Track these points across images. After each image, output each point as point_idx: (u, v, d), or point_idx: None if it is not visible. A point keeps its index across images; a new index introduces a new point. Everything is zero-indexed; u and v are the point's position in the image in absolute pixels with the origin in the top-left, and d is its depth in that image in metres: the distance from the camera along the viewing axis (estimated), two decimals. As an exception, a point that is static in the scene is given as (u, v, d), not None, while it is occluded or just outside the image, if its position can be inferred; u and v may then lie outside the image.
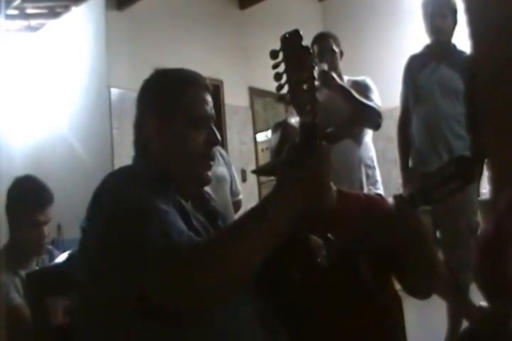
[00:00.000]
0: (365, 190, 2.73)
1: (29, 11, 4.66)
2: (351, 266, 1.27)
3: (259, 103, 5.73)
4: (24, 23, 4.82)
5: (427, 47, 2.91)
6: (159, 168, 1.13)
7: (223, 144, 4.62)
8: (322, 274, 1.24)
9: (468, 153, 2.62)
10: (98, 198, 1.05)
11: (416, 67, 2.88)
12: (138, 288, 0.91)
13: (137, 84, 1.25)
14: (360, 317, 1.31)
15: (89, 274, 1.04)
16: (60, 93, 4.76)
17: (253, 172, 3.33)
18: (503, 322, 1.47)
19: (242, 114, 5.38)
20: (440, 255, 2.65)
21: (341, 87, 2.72)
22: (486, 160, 2.28)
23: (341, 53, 2.95)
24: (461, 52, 2.75)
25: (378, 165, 2.96)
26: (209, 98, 1.20)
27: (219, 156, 2.72)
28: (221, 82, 5.04)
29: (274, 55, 1.00)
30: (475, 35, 1.91)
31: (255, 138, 5.52)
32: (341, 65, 2.94)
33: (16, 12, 4.51)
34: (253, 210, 0.99)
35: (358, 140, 2.85)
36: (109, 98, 4.27)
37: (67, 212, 3.23)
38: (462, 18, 2.31)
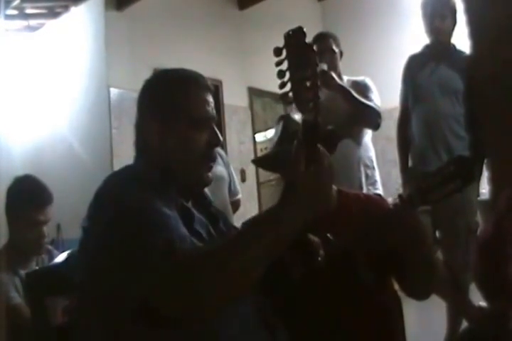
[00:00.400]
0: (365, 190, 2.72)
1: (28, 10, 4.65)
2: (351, 266, 1.27)
3: (258, 103, 5.72)
4: (23, 23, 4.81)
5: (427, 47, 2.91)
6: (160, 169, 1.12)
7: (222, 144, 4.61)
8: (322, 274, 1.24)
9: (468, 153, 2.62)
10: (100, 198, 1.05)
11: (415, 67, 2.88)
12: (138, 293, 0.91)
13: (137, 84, 1.25)
14: (359, 317, 1.31)
15: (89, 274, 1.04)
16: (60, 93, 4.75)
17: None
18: (502, 322, 1.47)
19: (241, 114, 5.37)
20: (440, 255, 2.65)
21: (341, 87, 2.71)
22: (485, 160, 2.28)
23: (341, 53, 2.95)
24: (461, 53, 2.75)
25: (378, 165, 2.96)
26: (210, 98, 1.20)
27: (217, 156, 2.72)
28: (220, 82, 5.03)
29: (277, 52, 0.99)
30: (474, 35, 1.91)
31: (254, 138, 5.50)
32: (341, 65, 2.94)
33: (15, 12, 4.50)
34: (257, 225, 1.00)
35: (358, 140, 2.84)
36: (109, 98, 4.27)
37: (67, 212, 3.23)
38: (462, 18, 2.31)
